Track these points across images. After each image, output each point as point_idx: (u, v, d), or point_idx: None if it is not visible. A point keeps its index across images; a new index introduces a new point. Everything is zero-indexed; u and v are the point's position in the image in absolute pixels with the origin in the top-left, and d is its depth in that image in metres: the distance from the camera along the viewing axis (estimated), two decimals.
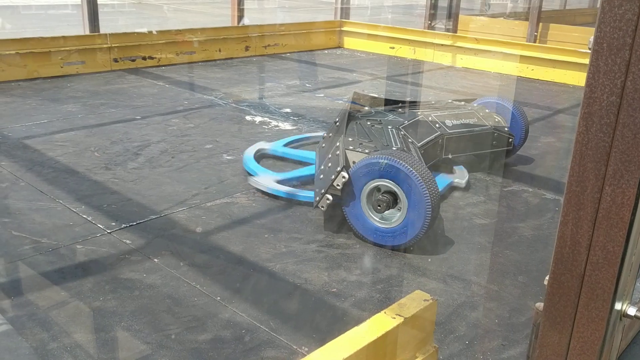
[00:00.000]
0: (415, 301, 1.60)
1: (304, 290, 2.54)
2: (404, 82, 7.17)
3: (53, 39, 6.28)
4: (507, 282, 2.66)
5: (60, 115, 4.87)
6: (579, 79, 7.01)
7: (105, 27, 6.90)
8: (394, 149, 3.14)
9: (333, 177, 2.89)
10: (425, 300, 1.61)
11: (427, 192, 2.71)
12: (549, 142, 4.79)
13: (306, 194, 3.38)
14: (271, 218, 3.20)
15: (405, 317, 1.53)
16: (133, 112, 5.07)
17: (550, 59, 7.25)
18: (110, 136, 4.40)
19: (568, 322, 1.32)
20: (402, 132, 3.44)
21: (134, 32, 7.03)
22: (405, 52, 8.52)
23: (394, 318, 1.52)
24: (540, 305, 1.43)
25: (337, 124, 3.49)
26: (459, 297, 2.52)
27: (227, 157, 4.10)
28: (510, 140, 3.92)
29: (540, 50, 7.46)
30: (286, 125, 4.88)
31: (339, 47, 9.14)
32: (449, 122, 3.75)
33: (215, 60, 7.59)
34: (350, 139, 3.21)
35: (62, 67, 6.27)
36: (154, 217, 3.14)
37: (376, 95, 4.22)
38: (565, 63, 7.13)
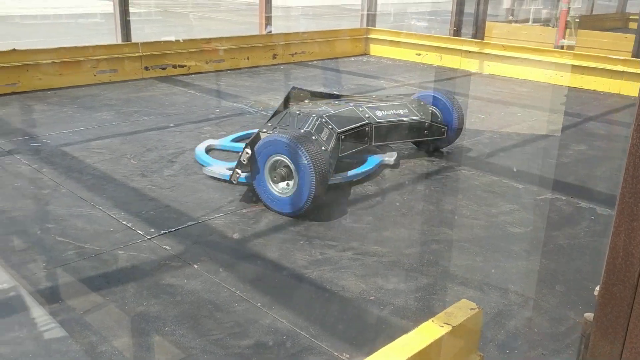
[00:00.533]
0: (461, 310, 1.62)
1: (342, 297, 2.56)
2: (430, 88, 7.17)
3: (86, 47, 6.43)
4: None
5: (95, 122, 4.98)
6: (609, 85, 6.94)
7: (132, 36, 7.02)
8: (302, 131, 3.51)
9: (240, 154, 3.36)
10: (471, 309, 1.63)
11: (312, 165, 3.12)
12: (580, 149, 4.76)
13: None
14: (305, 225, 3.24)
15: (453, 326, 1.55)
16: (166, 119, 5.16)
17: (579, 66, 7.19)
18: (144, 143, 4.49)
19: (620, 333, 1.33)
20: (323, 120, 3.76)
21: (164, 41, 7.16)
22: (432, 59, 8.53)
23: (442, 327, 1.54)
24: (589, 315, 1.44)
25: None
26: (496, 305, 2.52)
27: None
28: (442, 129, 4.31)
29: (569, 57, 7.40)
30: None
31: (365, 54, 9.18)
32: (379, 113, 4.11)
33: (243, 68, 7.68)
34: (269, 124, 3.70)
35: (95, 76, 6.41)
36: (191, 223, 3.20)
37: (316, 90, 4.58)
38: (595, 69, 7.06)
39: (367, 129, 4.01)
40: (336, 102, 4.22)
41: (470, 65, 8.14)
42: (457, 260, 2.92)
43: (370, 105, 4.18)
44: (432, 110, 4.36)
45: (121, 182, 3.75)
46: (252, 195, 3.55)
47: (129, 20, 6.88)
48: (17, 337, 2.18)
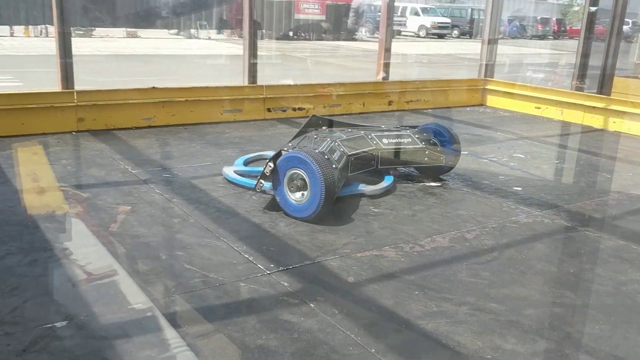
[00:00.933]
0: None
1: (457, 353, 2.51)
2: (550, 143, 6.93)
3: (216, 88, 6.90)
4: None
5: (220, 158, 5.30)
6: None
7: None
8: (316, 150, 4.09)
9: (264, 167, 3.97)
10: None
11: (322, 178, 3.71)
12: None
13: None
14: (420, 275, 3.22)
15: None
16: None
17: None
18: None
19: None
20: (336, 143, 4.36)
21: (286, 85, 7.53)
22: (552, 112, 8.26)
23: None
24: None
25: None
26: None
27: (374, 210, 4.20)
28: (442, 157, 4.85)
29: None
30: (431, 182, 4.91)
31: (482, 104, 9.08)
32: (385, 140, 4.68)
33: (358, 113, 7.86)
34: (289, 144, 4.29)
35: (222, 114, 6.84)
36: (308, 262, 3.29)
37: (333, 119, 5.18)
38: None
39: (373, 153, 4.61)
40: (349, 130, 4.82)
41: (593, 121, 7.80)
42: (581, 326, 2.77)
43: (378, 133, 4.77)
44: (432, 140, 4.92)
45: (243, 216, 3.94)
46: (365, 241, 3.60)
47: (255, 64, 7.30)
48: (148, 356, 2.34)
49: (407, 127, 5.16)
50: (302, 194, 3.87)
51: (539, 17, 36.23)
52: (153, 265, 3.15)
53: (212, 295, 2.86)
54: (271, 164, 3.94)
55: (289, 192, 3.94)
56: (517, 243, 3.76)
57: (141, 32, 23.23)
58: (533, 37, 34.33)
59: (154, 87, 6.45)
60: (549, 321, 2.80)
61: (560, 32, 35.03)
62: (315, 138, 4.44)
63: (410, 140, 4.83)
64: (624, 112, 7.48)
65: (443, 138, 4.98)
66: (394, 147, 4.71)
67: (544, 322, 2.78)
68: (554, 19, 36.67)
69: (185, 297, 2.83)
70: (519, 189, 4.90)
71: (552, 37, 34.47)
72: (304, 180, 3.85)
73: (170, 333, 2.49)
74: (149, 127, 6.33)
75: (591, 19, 8.50)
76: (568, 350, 2.58)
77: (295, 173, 3.88)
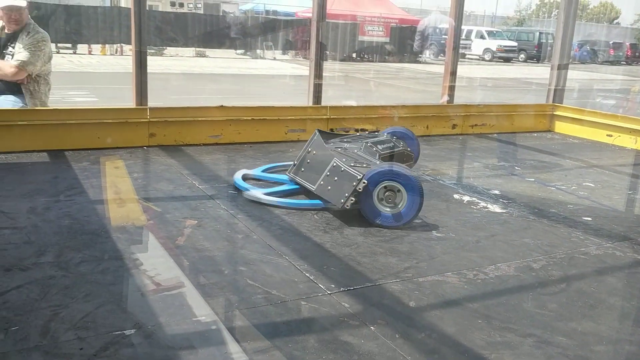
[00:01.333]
0: None
1: None
2: (622, 172, 6.66)
3: (281, 108, 7.03)
4: None
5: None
6: None
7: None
8: (378, 163, 4.57)
9: (355, 183, 4.15)
10: None
11: (419, 187, 4.20)
12: None
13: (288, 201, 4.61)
14: (483, 303, 3.15)
15: None
16: None
17: None
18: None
19: None
20: (362, 155, 4.81)
21: (346, 105, 7.58)
22: (625, 141, 7.95)
23: None
24: None
25: (314, 153, 4.72)
26: None
27: (437, 234, 4.15)
28: (412, 155, 5.49)
29: None
30: (495, 208, 4.82)
31: (550, 130, 8.84)
32: (380, 146, 5.11)
33: (423, 136, 7.81)
34: (343, 160, 4.44)
35: (286, 134, 6.96)
36: (369, 284, 3.28)
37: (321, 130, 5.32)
38: None
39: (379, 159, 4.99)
40: (347, 140, 5.24)
41: None
42: None
43: (373, 140, 5.20)
44: (401, 142, 5.47)
45: (305, 235, 3.98)
46: (427, 266, 3.56)
47: (320, 84, 7.40)
48: None
49: (376, 132, 5.89)
50: (395, 204, 4.23)
51: (611, 42, 35.05)
52: (217, 279, 3.23)
53: (274, 312, 2.90)
54: (365, 181, 4.15)
55: (380, 203, 4.24)
56: (587, 275, 3.62)
57: (209, 52, 24.02)
58: (604, 62, 33.19)
59: (221, 106, 6.64)
60: (621, 359, 2.67)
61: (635, 57, 33.71)
62: (338, 149, 4.82)
63: (392, 144, 5.29)
64: None
65: (408, 139, 5.67)
66: (388, 151, 5.14)
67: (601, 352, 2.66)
68: (628, 43, 35.36)
69: (247, 313, 2.87)
70: (589, 219, 4.72)
71: (624, 63, 33.22)
72: (393, 191, 4.22)
73: (233, 347, 2.53)
74: (216, 144, 6.52)
75: None
76: None
77: (388, 185, 4.20)
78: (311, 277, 3.31)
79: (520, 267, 3.65)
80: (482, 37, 32.60)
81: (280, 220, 4.24)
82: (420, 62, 24.89)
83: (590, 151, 7.58)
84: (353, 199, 4.18)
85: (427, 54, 27.12)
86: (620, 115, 8.24)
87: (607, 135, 8.18)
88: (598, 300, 3.27)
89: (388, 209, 4.22)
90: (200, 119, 6.51)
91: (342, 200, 4.21)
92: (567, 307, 3.16)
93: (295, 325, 2.81)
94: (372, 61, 25.20)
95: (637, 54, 34.18)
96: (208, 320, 2.75)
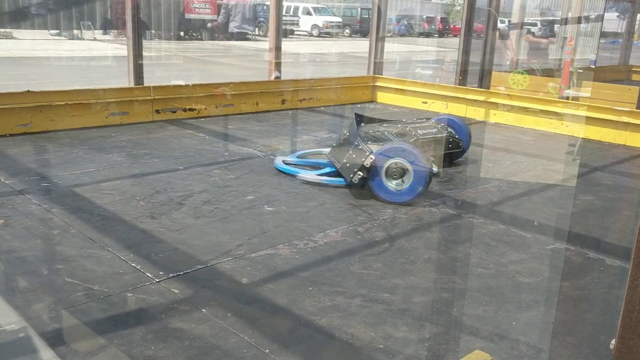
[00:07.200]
0: None
1: (351, 345, 2.54)
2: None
3: (98, 90, 6.55)
4: None
5: (106, 164, 5.03)
6: (614, 136, 7.00)
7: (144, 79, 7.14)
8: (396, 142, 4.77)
9: (363, 159, 4.30)
10: None
11: (424, 165, 4.27)
12: (587, 199, 4.77)
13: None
14: (313, 271, 3.23)
15: None
16: (175, 162, 5.21)
17: (585, 116, 7.27)
18: (154, 186, 4.52)
19: None
20: (390, 136, 5.08)
21: (174, 85, 7.29)
22: (438, 107, 8.64)
23: None
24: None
25: (346, 135, 4.77)
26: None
27: (268, 209, 4.17)
28: (460, 143, 5.55)
29: (574, 107, 7.49)
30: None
31: (372, 101, 9.32)
32: (420, 132, 5.28)
33: (251, 112, 7.79)
34: (365, 140, 4.67)
35: (107, 118, 6.51)
36: (200, 267, 3.20)
37: (370, 116, 5.80)
38: (600, 120, 7.14)
39: (415, 143, 5.06)
40: (387, 125, 5.43)
41: (475, 113, 8.25)
42: (467, 309, 2.90)
43: (415, 125, 5.38)
44: (449, 129, 5.55)
45: (130, 223, 3.76)
46: (259, 241, 3.56)
47: (141, 64, 7.01)
48: None
49: (428, 119, 5.84)
50: (402, 181, 4.33)
51: (425, 16, 37.82)
52: (29, 281, 2.92)
53: (96, 309, 2.70)
54: (372, 156, 4.27)
55: (387, 180, 4.34)
56: (407, 234, 3.87)
57: (17, 33, 21.65)
58: (420, 35, 35.77)
59: (29, 91, 6.01)
60: (437, 307, 2.90)
61: (445, 30, 36.77)
62: (373, 133, 5.05)
63: (436, 130, 5.42)
64: (503, 104, 7.98)
65: (457, 127, 5.68)
66: (431, 136, 5.30)
67: (433, 309, 2.88)
68: (439, 17, 38.44)
69: (66, 313, 2.64)
70: None
71: (437, 35, 36.11)
72: (403, 169, 4.32)
73: (47, 354, 2.31)
74: (25, 133, 5.90)
75: (470, 17, 8.98)
76: (455, 333, 2.68)
77: (394, 162, 4.30)
78: (138, 267, 3.14)
79: (347, 232, 3.80)
80: (308, 13, 33.31)
81: (102, 210, 3.96)
82: (250, 40, 24.80)
83: (408, 117, 8.07)
84: (361, 173, 4.32)
85: (256, 32, 27.11)
86: (432, 83, 8.94)
87: (422, 102, 8.83)
88: (417, 255, 3.51)
89: (393, 186, 4.35)
90: (3, 106, 5.83)
91: (351, 176, 4.37)
92: (391, 265, 3.36)
93: (120, 320, 2.64)
94: (202, 39, 24.55)
95: (446, 27, 37.30)
96: (16, 328, 2.48)
